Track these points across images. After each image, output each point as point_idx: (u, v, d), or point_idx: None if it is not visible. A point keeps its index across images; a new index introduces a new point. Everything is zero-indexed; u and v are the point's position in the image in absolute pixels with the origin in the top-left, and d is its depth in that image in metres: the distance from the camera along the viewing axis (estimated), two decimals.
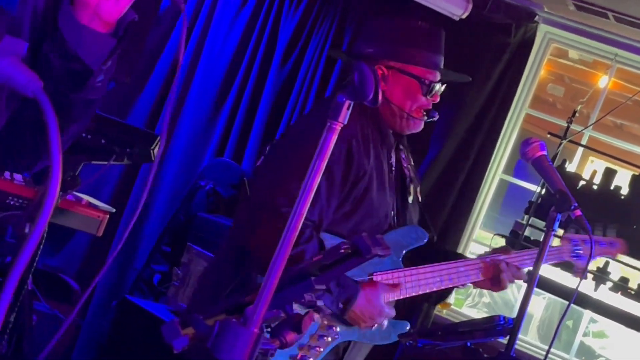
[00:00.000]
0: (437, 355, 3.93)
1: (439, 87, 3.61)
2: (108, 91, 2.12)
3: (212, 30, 6.39)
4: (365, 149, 3.47)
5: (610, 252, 3.99)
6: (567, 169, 5.74)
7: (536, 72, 6.07)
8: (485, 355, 3.28)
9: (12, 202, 4.63)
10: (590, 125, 5.93)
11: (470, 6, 5.66)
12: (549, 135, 5.77)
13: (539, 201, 5.61)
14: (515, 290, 5.81)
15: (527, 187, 5.97)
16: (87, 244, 6.03)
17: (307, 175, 2.10)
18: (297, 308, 2.27)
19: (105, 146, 4.77)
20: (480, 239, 6.10)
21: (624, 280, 5.52)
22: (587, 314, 6.00)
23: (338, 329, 3.37)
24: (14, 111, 2.07)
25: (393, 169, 3.69)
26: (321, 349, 3.33)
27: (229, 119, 6.28)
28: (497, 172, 6.07)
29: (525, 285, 3.58)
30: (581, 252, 3.81)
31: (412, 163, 3.82)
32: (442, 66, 3.66)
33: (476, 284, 3.74)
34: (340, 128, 2.15)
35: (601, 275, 5.28)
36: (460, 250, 5.85)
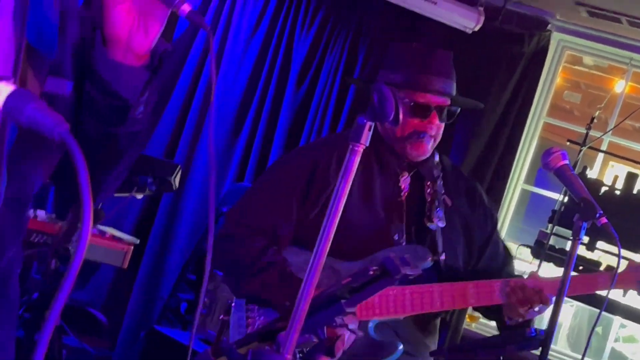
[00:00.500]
0: None
1: (434, 108, 3.61)
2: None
3: (226, 54, 6.42)
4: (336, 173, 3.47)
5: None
6: (589, 176, 5.74)
7: (552, 80, 6.08)
8: None
9: (36, 239, 4.66)
10: (609, 130, 5.93)
11: (482, 18, 5.67)
12: (568, 143, 5.77)
13: (562, 209, 5.61)
14: None
15: (549, 196, 5.96)
16: (113, 276, 6.06)
17: (333, 198, 2.12)
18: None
19: (128, 179, 4.81)
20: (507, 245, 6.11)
21: None
22: (617, 319, 5.99)
23: None
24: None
25: (402, 193, 3.70)
26: None
27: (247, 144, 6.30)
28: (518, 182, 6.08)
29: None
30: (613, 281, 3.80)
31: (437, 189, 3.81)
32: (442, 88, 3.64)
33: (509, 312, 3.70)
34: (361, 149, 2.18)
35: None
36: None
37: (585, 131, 5.69)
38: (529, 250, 5.59)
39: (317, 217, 3.45)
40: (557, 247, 5.59)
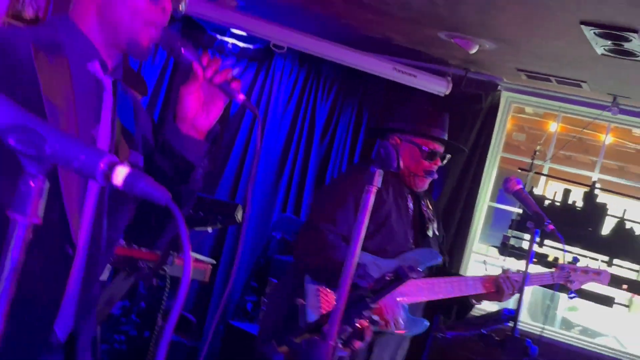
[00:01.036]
0: (461, 343, 3.94)
1: (439, 154, 3.65)
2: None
3: (269, 119, 6.45)
4: (384, 194, 3.51)
5: (597, 280, 3.97)
6: (535, 193, 5.79)
7: (504, 126, 6.12)
8: (497, 339, 3.27)
9: (141, 265, 4.70)
10: (548, 159, 5.95)
11: (451, 85, 5.72)
12: (519, 170, 5.81)
13: (518, 219, 5.65)
14: None
15: (508, 209, 5.96)
16: (198, 287, 6.08)
17: (356, 225, 2.13)
18: None
19: (203, 217, 4.85)
20: (478, 250, 6.09)
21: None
22: (563, 295, 5.95)
23: None
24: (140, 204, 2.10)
25: (411, 211, 3.72)
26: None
27: (288, 184, 6.33)
28: (485, 201, 6.09)
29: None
30: (572, 278, 3.82)
31: (431, 210, 3.84)
32: (443, 138, 3.68)
33: (481, 297, 3.74)
34: (374, 190, 2.20)
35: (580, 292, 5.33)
36: (462, 259, 5.90)
37: (530, 161, 5.72)
38: (496, 249, 5.61)
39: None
40: (516, 245, 5.60)
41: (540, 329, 5.59)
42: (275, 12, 5.70)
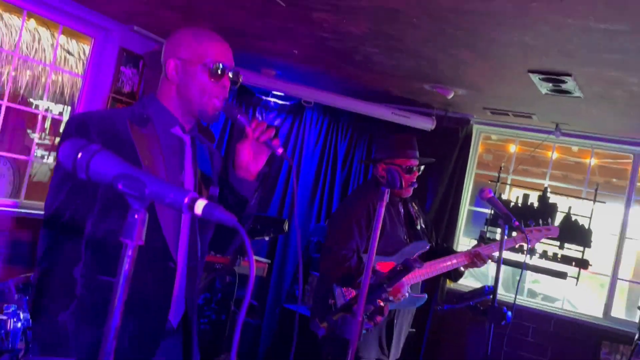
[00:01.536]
0: (455, 313, 3.92)
1: (416, 169, 3.65)
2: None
3: (303, 156, 6.47)
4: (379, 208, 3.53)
5: (549, 234, 3.91)
6: (503, 198, 5.74)
7: (476, 150, 6.09)
8: (481, 308, 3.24)
9: (217, 266, 4.71)
10: (511, 172, 5.89)
11: (435, 122, 5.72)
12: (489, 182, 5.77)
13: (490, 218, 5.61)
14: (486, 266, 5.74)
15: (483, 211, 5.91)
16: (258, 281, 6.07)
17: (373, 235, 2.12)
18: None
19: (260, 229, 4.87)
20: (463, 242, 6.04)
21: (544, 252, 5.49)
22: (528, 272, 5.89)
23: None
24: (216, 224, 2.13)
25: (402, 214, 3.71)
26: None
27: (320, 201, 6.34)
28: (465, 205, 6.06)
29: (492, 263, 3.59)
30: (530, 237, 3.77)
31: (417, 209, 3.84)
32: (417, 156, 3.69)
33: (465, 266, 3.73)
34: (384, 204, 2.19)
35: (532, 251, 5.27)
36: (448, 249, 5.86)
37: (497, 175, 5.68)
38: (476, 241, 5.58)
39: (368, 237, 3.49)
40: (490, 237, 5.55)
41: (512, 298, 5.54)
42: (304, 77, 5.73)
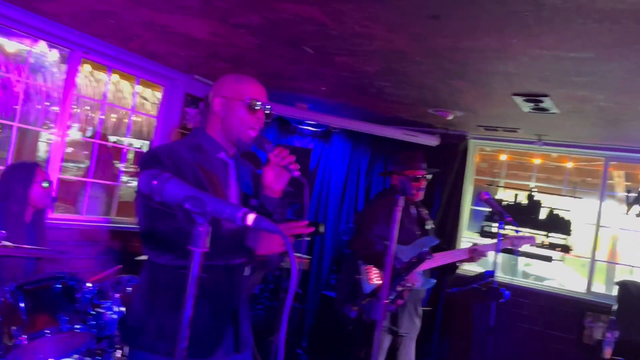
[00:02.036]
0: (462, 294, 3.87)
1: (422, 176, 3.62)
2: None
3: (332, 171, 6.45)
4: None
5: (528, 242, 3.84)
6: (496, 198, 5.65)
7: (473, 159, 5.99)
8: (484, 289, 3.21)
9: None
10: (503, 176, 5.80)
11: (439, 139, 5.65)
12: (486, 185, 5.69)
13: (488, 214, 5.54)
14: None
15: (481, 209, 5.82)
16: (301, 273, 6.04)
17: (391, 233, 2.11)
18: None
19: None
20: (466, 235, 5.95)
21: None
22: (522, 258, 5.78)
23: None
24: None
25: (414, 215, 3.69)
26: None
27: (348, 207, 6.31)
28: (467, 205, 5.97)
29: (491, 253, 3.54)
30: (515, 243, 3.70)
31: (426, 213, 3.80)
32: (423, 167, 3.66)
33: (464, 261, 3.69)
34: (400, 209, 2.18)
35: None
36: (457, 242, 5.80)
37: (492, 179, 5.59)
38: (478, 234, 5.49)
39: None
40: (488, 231, 5.46)
41: (509, 279, 5.46)
42: (330, 108, 5.74)
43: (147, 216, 1.85)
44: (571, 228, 5.31)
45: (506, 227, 4.82)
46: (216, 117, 2.02)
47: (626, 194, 5.26)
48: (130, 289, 3.00)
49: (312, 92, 5.15)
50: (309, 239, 5.17)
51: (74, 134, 5.91)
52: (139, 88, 5.44)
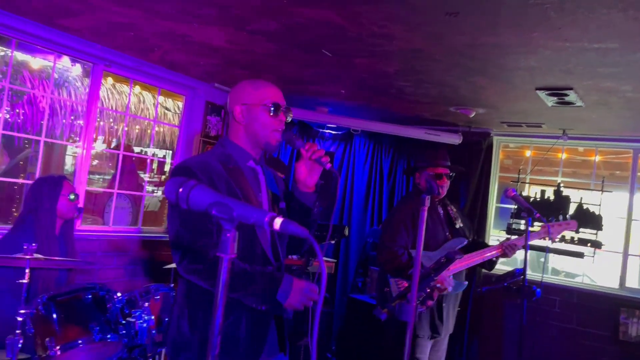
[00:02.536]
0: (492, 293, 3.81)
1: (444, 174, 3.58)
2: (320, 212, 2.16)
3: (356, 172, 6.45)
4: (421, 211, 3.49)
5: (568, 228, 3.76)
6: (523, 194, 5.56)
7: (497, 157, 5.93)
8: (514, 288, 3.16)
9: (293, 268, 4.71)
10: (529, 173, 5.71)
11: (461, 137, 5.61)
12: (511, 182, 5.61)
13: (515, 211, 5.44)
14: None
15: (507, 207, 5.74)
16: (327, 277, 6.04)
17: (418, 234, 2.09)
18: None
19: (325, 235, 4.83)
20: (493, 233, 5.87)
21: (563, 236, 5.29)
22: (550, 254, 5.69)
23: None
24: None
25: (441, 215, 3.64)
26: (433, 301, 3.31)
27: (372, 209, 6.29)
28: (493, 203, 5.90)
29: (521, 251, 3.48)
30: (551, 231, 3.62)
31: (455, 210, 3.75)
32: (445, 164, 3.62)
33: (498, 257, 3.62)
34: (426, 209, 2.15)
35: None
36: (483, 239, 5.70)
37: (517, 175, 5.52)
38: (505, 232, 5.41)
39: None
40: (516, 228, 5.38)
41: (538, 277, 5.36)
42: (350, 110, 5.73)
43: (177, 224, 1.86)
44: (602, 223, 5.20)
45: (535, 224, 4.76)
46: (239, 124, 2.03)
47: None
48: (159, 297, 3.03)
49: (332, 96, 5.14)
50: (333, 242, 5.16)
51: (99, 146, 6.00)
52: (160, 99, 5.51)
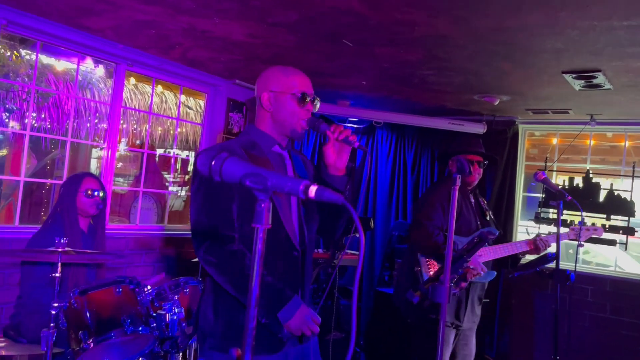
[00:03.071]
0: (524, 279, 3.75)
1: (477, 161, 3.54)
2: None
3: (379, 165, 6.42)
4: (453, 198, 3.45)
5: (596, 234, 3.71)
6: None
7: (523, 145, 5.84)
8: (547, 272, 3.10)
9: (320, 261, 4.71)
10: (556, 160, 5.62)
11: (486, 126, 5.54)
12: (537, 170, 5.52)
13: (542, 200, 5.36)
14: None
15: (534, 196, 5.66)
16: (354, 270, 6.03)
17: (450, 214, 2.06)
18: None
19: (349, 227, 4.81)
20: (520, 223, 5.79)
21: (593, 225, 5.17)
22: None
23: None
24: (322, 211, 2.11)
25: (472, 204, 3.59)
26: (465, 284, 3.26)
27: (396, 202, 6.26)
28: (520, 192, 5.81)
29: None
30: (581, 234, 3.55)
31: (485, 202, 3.71)
32: (478, 151, 3.58)
33: (526, 253, 3.57)
34: (457, 188, 2.13)
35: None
36: (509, 230, 5.64)
37: (544, 164, 5.43)
38: (533, 221, 5.33)
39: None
40: (544, 217, 5.29)
41: (569, 267, 5.28)
42: (372, 102, 5.70)
43: (199, 201, 1.87)
44: (634, 209, 5.09)
45: (565, 211, 4.68)
46: (265, 112, 2.02)
47: None
48: (187, 290, 3.04)
49: (353, 88, 5.12)
50: (358, 235, 5.15)
51: (123, 147, 6.07)
52: (182, 98, 5.54)
